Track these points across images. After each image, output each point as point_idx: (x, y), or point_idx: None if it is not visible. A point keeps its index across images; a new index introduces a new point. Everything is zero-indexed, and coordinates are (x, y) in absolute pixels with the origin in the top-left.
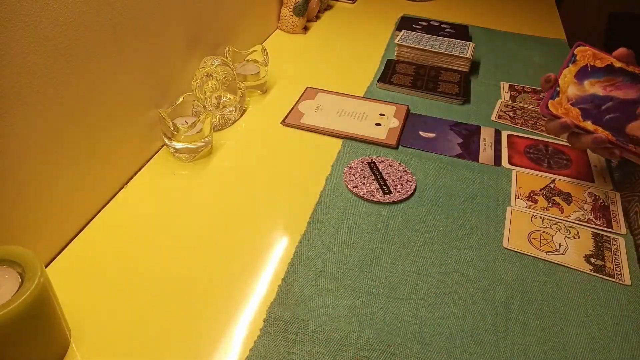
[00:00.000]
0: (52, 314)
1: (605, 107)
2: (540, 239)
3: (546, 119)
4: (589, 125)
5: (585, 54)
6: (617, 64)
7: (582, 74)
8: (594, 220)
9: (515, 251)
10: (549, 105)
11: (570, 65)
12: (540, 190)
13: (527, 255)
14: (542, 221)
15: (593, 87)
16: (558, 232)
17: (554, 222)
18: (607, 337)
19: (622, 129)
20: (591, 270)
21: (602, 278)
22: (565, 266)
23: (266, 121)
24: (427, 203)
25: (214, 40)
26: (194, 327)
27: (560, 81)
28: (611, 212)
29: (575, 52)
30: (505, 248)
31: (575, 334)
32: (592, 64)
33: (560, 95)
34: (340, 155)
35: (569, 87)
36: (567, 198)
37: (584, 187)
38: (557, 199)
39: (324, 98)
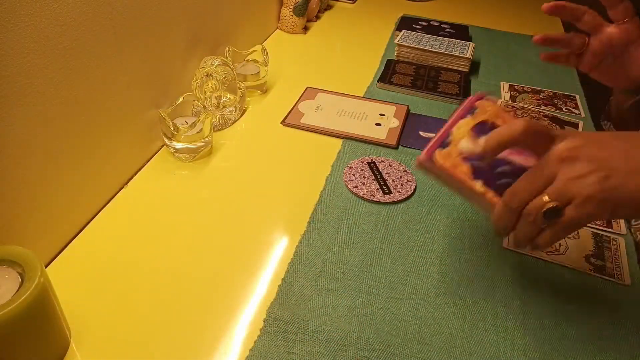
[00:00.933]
0: (52, 314)
1: (500, 169)
2: None
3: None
4: (477, 185)
5: (487, 109)
6: None
7: (481, 128)
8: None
9: (516, 251)
10: (437, 155)
11: (468, 116)
12: None
13: (527, 255)
14: None
15: None
16: None
17: None
18: (607, 337)
19: None
20: (591, 270)
21: (602, 278)
22: (565, 266)
23: (266, 121)
24: (427, 203)
25: (214, 40)
26: (194, 327)
27: (453, 131)
28: None
29: (475, 104)
30: (505, 248)
31: (575, 334)
32: (493, 121)
33: (451, 145)
34: (340, 155)
35: (463, 139)
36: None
37: None
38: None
39: (324, 98)
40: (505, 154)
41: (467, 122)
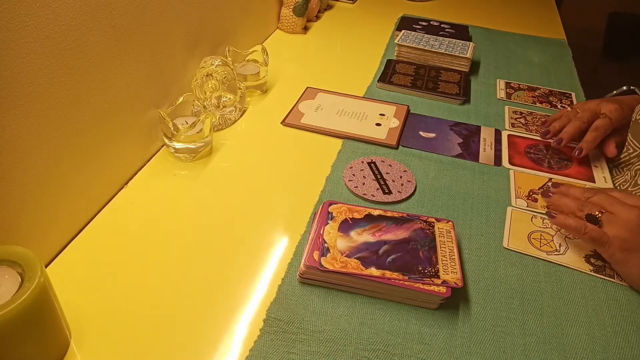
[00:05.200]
0: (52, 314)
1: (382, 251)
2: (541, 239)
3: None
4: (374, 271)
5: (340, 210)
6: (375, 212)
7: (346, 226)
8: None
9: (515, 251)
10: (323, 263)
11: (329, 222)
12: (539, 189)
13: (527, 255)
14: (543, 221)
15: (362, 236)
16: (558, 232)
17: None
18: (607, 337)
19: (412, 267)
20: (591, 271)
21: (602, 278)
22: (565, 266)
23: (266, 121)
24: (427, 203)
25: (214, 40)
26: (194, 327)
27: (326, 238)
28: None
29: (329, 210)
30: (506, 248)
31: (575, 334)
32: (351, 217)
33: (331, 250)
34: (340, 155)
35: (337, 241)
36: (550, 186)
37: (580, 184)
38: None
39: (324, 98)
40: (378, 236)
41: (332, 227)
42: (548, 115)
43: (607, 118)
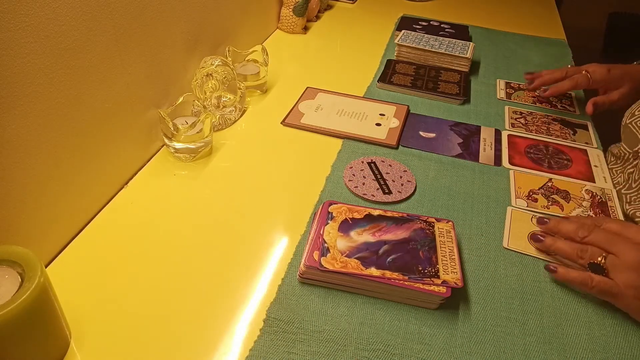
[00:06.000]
0: (52, 314)
1: (382, 251)
2: None
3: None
4: (374, 271)
5: (340, 210)
6: (375, 212)
7: (346, 226)
8: (593, 216)
9: (516, 251)
10: (323, 263)
11: (329, 222)
12: (539, 189)
13: (528, 255)
14: None
15: (362, 236)
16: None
17: None
18: (607, 337)
19: (412, 267)
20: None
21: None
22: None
23: (266, 121)
24: (427, 203)
25: (214, 40)
26: (194, 327)
27: (326, 238)
28: (609, 208)
29: (329, 210)
30: (506, 248)
31: (575, 334)
32: (351, 217)
33: (331, 250)
34: (340, 155)
35: (337, 241)
36: (566, 196)
37: (580, 184)
38: (556, 197)
39: (324, 98)
40: (378, 236)
41: (332, 227)
42: (548, 116)
43: (586, 74)
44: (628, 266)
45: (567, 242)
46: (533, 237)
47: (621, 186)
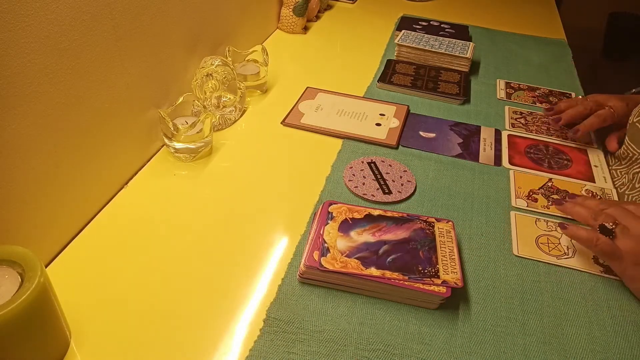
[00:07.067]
0: (52, 314)
1: (382, 251)
2: (548, 243)
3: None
4: (374, 271)
5: (340, 210)
6: (375, 212)
7: (346, 226)
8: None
9: (528, 258)
10: (323, 263)
11: (329, 222)
12: (539, 189)
13: (532, 259)
14: (547, 224)
15: (362, 236)
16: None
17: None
18: (607, 337)
19: (412, 267)
20: (601, 272)
21: (611, 278)
22: (576, 269)
23: (266, 121)
24: (427, 203)
25: (214, 40)
26: (194, 327)
27: (326, 238)
28: None
29: (329, 210)
30: (517, 256)
31: (575, 334)
32: (351, 217)
33: (331, 250)
34: (340, 155)
35: (337, 241)
36: (566, 196)
37: (580, 184)
38: (556, 197)
39: (324, 98)
40: (378, 236)
41: (332, 227)
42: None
43: (611, 110)
44: (635, 237)
45: (585, 208)
46: (556, 201)
47: (625, 187)
